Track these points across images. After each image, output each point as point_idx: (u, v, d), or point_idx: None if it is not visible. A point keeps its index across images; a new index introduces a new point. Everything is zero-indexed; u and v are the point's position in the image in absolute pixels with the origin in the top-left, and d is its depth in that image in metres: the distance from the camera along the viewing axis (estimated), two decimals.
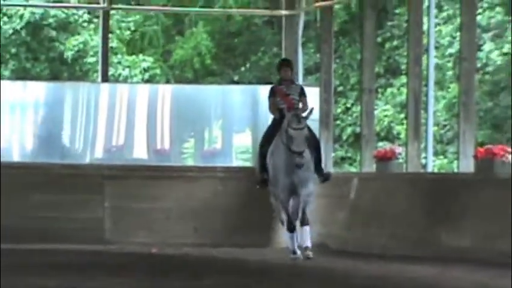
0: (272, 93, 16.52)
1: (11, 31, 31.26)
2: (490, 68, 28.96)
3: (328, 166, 21.14)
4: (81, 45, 31.54)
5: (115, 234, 21.14)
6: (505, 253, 15.85)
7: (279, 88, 16.27)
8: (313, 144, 15.97)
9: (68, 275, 13.56)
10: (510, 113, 26.62)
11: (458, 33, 23.27)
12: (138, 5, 32.58)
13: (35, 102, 22.30)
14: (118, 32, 31.80)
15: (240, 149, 23.43)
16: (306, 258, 15.42)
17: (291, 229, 15.74)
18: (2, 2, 24.36)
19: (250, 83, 30.91)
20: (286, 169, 15.64)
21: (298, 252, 15.71)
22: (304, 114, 15.66)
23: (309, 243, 15.60)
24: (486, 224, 16.68)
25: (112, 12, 25.24)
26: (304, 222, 15.76)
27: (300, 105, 15.86)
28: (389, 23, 30.73)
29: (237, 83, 31.28)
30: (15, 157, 22.22)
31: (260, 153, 16.54)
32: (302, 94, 16.19)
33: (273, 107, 16.29)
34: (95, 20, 31.06)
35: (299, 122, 15.34)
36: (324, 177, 16.35)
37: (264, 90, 20.19)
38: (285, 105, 15.97)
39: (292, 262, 15.93)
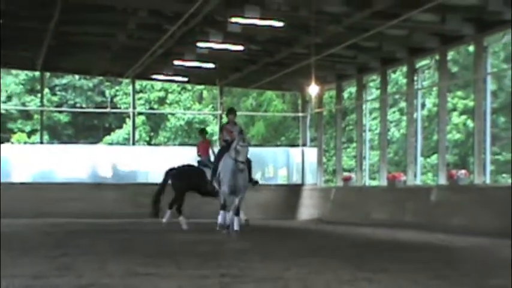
0: (221, 130, 17.28)
1: (174, 128, 38.07)
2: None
3: (319, 183, 28.51)
4: (212, 130, 40.13)
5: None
6: None
7: (226, 127, 17.13)
8: (248, 166, 16.72)
9: (201, 232, 17.44)
10: None
11: (379, 124, 27.98)
12: (230, 110, 31.12)
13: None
14: (223, 122, 32.24)
15: (282, 176, 30.44)
16: (234, 233, 16.37)
17: (223, 209, 16.79)
18: None
19: (285, 145, 36.91)
20: (232, 174, 16.15)
21: (224, 223, 16.64)
22: (246, 139, 16.67)
23: (237, 228, 16.55)
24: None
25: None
26: (237, 214, 16.66)
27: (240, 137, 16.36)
28: (347, 117, 37.05)
29: (279, 145, 37.64)
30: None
31: (213, 168, 17.25)
32: (241, 132, 16.57)
33: (221, 139, 17.02)
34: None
35: (244, 142, 16.13)
36: (253, 182, 17.28)
37: (292, 150, 29.05)
38: (229, 138, 16.68)
39: (290, 227, 19.76)
